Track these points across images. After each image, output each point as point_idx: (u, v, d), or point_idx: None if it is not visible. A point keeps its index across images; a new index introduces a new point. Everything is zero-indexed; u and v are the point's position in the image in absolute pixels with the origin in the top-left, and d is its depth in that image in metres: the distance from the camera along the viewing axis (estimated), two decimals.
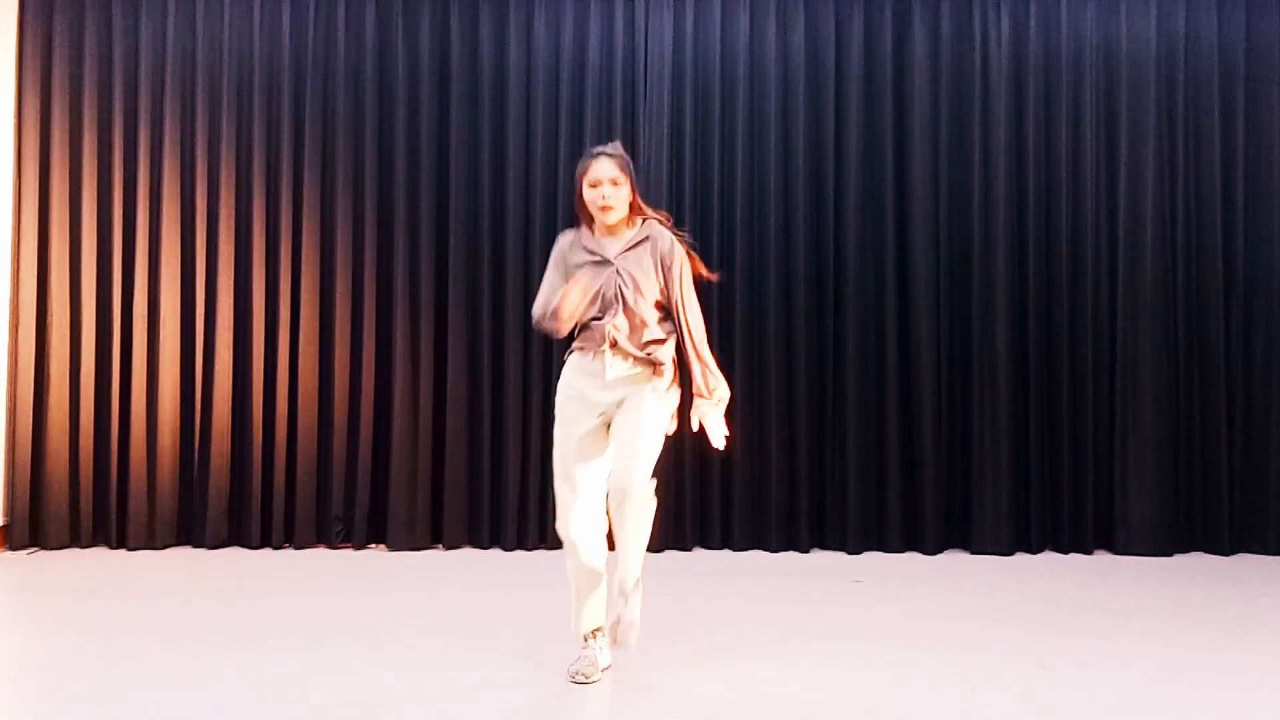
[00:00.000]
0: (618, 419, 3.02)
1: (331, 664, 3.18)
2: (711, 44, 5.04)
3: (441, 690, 2.97)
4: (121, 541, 4.91)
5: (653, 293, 3.05)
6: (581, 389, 3.05)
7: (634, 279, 3.02)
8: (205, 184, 4.98)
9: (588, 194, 3.06)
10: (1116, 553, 4.89)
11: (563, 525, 3.04)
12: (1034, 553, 4.88)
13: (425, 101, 5.02)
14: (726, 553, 4.92)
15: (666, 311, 3.08)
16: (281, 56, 5.01)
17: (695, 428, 3.13)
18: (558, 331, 3.07)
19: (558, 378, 3.15)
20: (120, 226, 4.98)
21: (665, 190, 4.89)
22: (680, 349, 3.09)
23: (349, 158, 5.00)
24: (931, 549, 4.89)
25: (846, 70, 5.03)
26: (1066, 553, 4.89)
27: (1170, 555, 4.85)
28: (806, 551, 4.92)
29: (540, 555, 4.87)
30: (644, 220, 3.12)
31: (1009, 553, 4.86)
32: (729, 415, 3.20)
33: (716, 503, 4.96)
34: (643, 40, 5.03)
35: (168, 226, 4.97)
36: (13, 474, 4.88)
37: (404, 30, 5.02)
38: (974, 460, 4.93)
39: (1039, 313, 4.96)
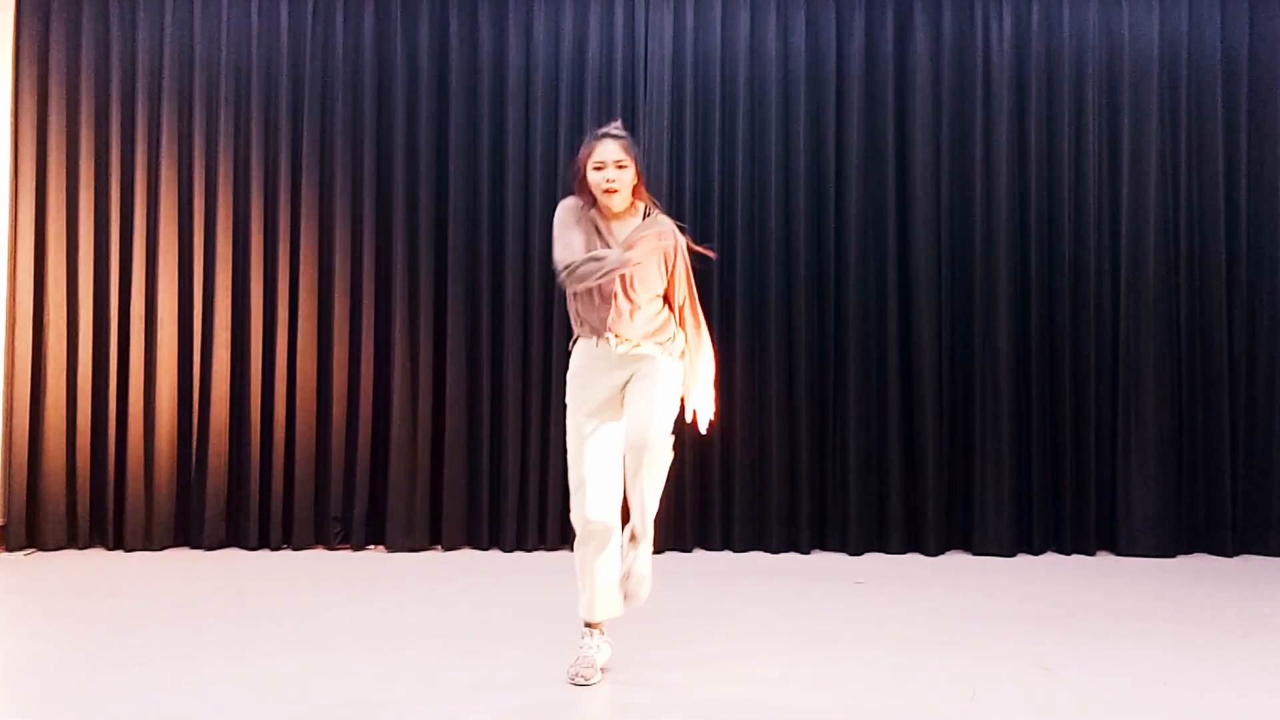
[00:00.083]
0: (631, 388, 3.02)
1: (330, 665, 3.17)
2: (712, 43, 5.02)
3: (440, 691, 2.95)
4: (119, 543, 4.89)
5: (657, 284, 3.04)
6: (594, 372, 3.05)
7: (642, 269, 2.99)
8: (203, 183, 4.97)
9: (592, 176, 3.02)
10: (1119, 554, 4.87)
11: (577, 512, 3.04)
12: (1036, 554, 4.86)
13: (424, 100, 5.01)
14: (727, 554, 4.90)
15: (667, 298, 3.08)
16: (280, 55, 4.99)
17: (690, 418, 3.15)
18: (573, 291, 3.03)
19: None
20: (118, 226, 4.96)
21: (665, 190, 4.87)
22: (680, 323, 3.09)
23: (347, 157, 4.99)
24: (933, 550, 4.87)
25: (847, 69, 5.02)
26: (1068, 554, 4.87)
27: (1173, 556, 4.83)
28: (807, 552, 4.91)
29: (540, 556, 4.85)
30: (647, 206, 3.11)
31: (1011, 554, 4.84)
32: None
33: (717, 503, 4.94)
34: (643, 39, 5.02)
35: (165, 226, 4.95)
36: (9, 475, 4.86)
37: (403, 28, 5.01)
38: (976, 461, 4.91)
39: (1041, 312, 4.94)
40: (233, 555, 4.84)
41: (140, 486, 4.88)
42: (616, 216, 3.07)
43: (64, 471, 4.88)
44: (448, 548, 4.93)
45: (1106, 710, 2.83)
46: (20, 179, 4.92)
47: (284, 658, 3.25)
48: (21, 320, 4.88)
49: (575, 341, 3.13)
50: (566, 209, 3.08)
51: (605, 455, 3.05)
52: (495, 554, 4.90)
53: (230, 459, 4.95)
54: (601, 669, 3.06)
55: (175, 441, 4.93)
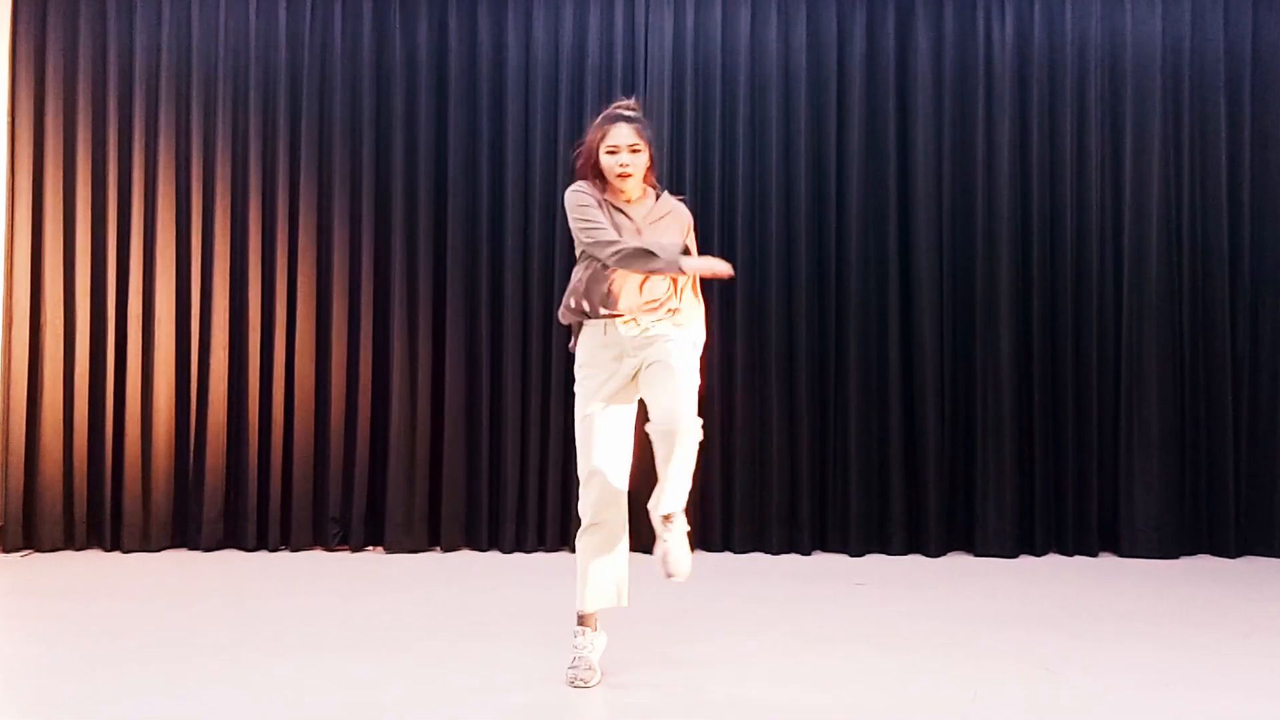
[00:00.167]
0: (647, 374, 2.95)
1: (328, 667, 3.16)
2: (712, 42, 5.01)
3: (439, 693, 2.94)
4: (116, 544, 4.87)
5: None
6: (603, 361, 3.00)
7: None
8: (201, 183, 4.95)
9: (605, 160, 2.96)
10: (1121, 555, 4.85)
11: (585, 503, 3.02)
12: (1038, 555, 4.84)
13: (423, 100, 4.99)
14: (727, 555, 4.88)
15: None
16: (278, 54, 4.98)
17: None
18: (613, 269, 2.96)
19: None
20: (115, 226, 4.94)
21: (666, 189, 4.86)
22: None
23: (346, 157, 4.97)
24: (934, 551, 4.85)
25: (848, 68, 5.00)
26: (1071, 555, 4.85)
27: (1176, 557, 4.81)
28: (808, 553, 4.89)
29: (539, 558, 4.83)
30: (657, 190, 3.08)
31: (1013, 555, 4.82)
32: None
33: (717, 504, 4.92)
34: (643, 38, 5.00)
35: (163, 226, 4.93)
36: (6, 476, 4.84)
37: (402, 29, 4.99)
38: (977, 462, 4.89)
39: (1043, 312, 4.92)
40: (230, 556, 4.82)
41: (138, 487, 4.86)
42: (629, 200, 3.03)
43: (61, 472, 4.86)
44: (446, 549, 4.91)
45: (1109, 712, 2.81)
46: (17, 178, 4.91)
47: (282, 659, 3.24)
48: (18, 320, 4.87)
49: (577, 336, 3.10)
50: (583, 192, 3.00)
51: (616, 447, 3.02)
52: (494, 555, 4.88)
53: (228, 459, 4.93)
54: (600, 668, 3.03)
55: (173, 442, 4.91)
